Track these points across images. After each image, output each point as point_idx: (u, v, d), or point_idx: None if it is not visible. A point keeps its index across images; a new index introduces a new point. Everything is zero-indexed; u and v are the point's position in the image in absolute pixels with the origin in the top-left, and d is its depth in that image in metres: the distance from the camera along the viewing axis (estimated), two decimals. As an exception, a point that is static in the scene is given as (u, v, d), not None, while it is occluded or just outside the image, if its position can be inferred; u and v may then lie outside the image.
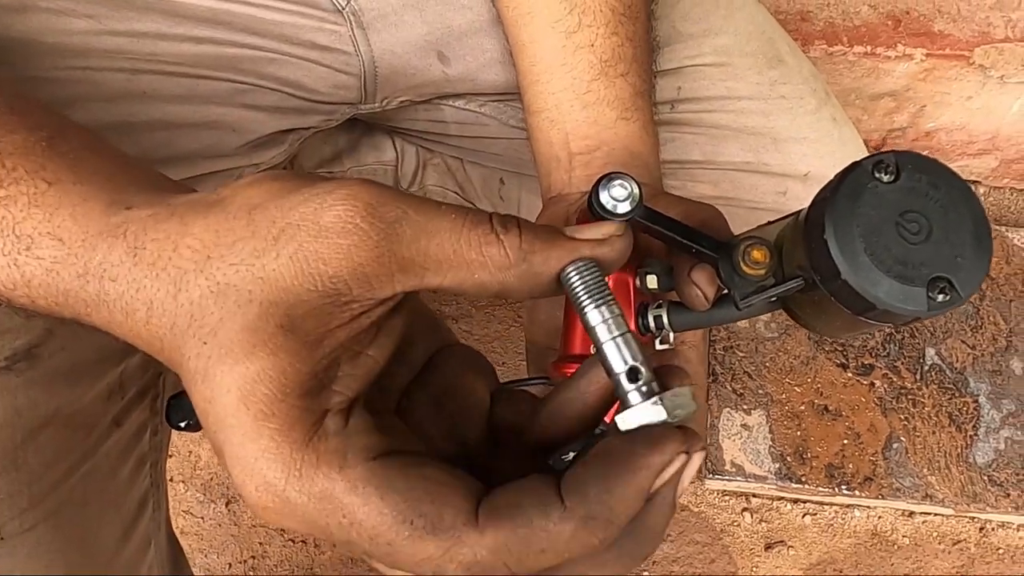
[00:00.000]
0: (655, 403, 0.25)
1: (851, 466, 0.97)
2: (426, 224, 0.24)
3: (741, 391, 1.00)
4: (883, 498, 0.97)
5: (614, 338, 0.26)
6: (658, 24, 0.58)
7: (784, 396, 1.00)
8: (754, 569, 0.99)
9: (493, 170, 0.77)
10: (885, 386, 1.01)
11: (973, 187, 0.78)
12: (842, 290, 0.30)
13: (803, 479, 0.97)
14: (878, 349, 1.02)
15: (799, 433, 0.98)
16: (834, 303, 0.31)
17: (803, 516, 1.01)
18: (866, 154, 0.46)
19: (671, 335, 0.41)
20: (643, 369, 0.26)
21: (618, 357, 0.26)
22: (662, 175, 0.54)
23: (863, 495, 0.97)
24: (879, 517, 1.01)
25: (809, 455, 0.98)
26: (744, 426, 0.99)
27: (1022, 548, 1.01)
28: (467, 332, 1.08)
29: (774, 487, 0.98)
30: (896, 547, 1.00)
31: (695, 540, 1.00)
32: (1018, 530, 1.01)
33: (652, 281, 0.41)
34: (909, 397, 1.00)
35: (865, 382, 1.01)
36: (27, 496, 0.40)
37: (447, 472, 0.24)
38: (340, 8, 0.56)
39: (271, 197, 0.24)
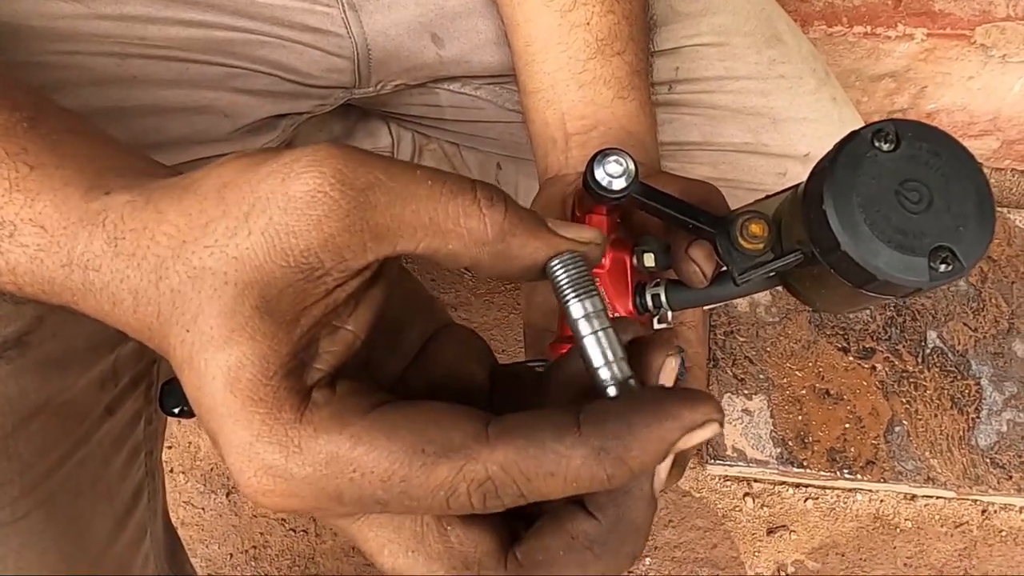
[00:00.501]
0: None
1: (853, 450, 0.97)
2: (400, 189, 0.23)
3: (742, 376, 1.00)
4: (885, 482, 0.97)
5: (595, 332, 0.26)
6: (655, 3, 0.58)
7: (785, 380, 0.99)
8: (756, 554, 0.99)
9: (490, 155, 0.77)
10: (887, 369, 1.00)
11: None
12: (842, 262, 0.29)
13: (805, 463, 0.96)
14: (879, 332, 1.02)
15: (800, 418, 0.98)
16: (834, 276, 0.31)
17: (805, 500, 1.01)
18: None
19: (669, 314, 0.41)
20: (623, 365, 0.25)
21: (598, 352, 0.25)
22: (661, 156, 0.53)
23: (865, 479, 0.96)
24: (881, 501, 1.01)
25: (811, 439, 0.97)
26: (745, 411, 0.98)
27: (1025, 530, 1.00)
28: (466, 319, 1.08)
29: (776, 472, 0.97)
30: (898, 530, 1.00)
31: (696, 526, 1.00)
32: (1020, 512, 1.01)
33: (649, 259, 0.40)
34: (911, 380, 1.00)
35: (866, 366, 1.00)
36: (19, 485, 0.39)
37: (447, 405, 0.24)
38: (331, -11, 0.55)
39: (240, 173, 0.24)
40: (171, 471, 1.00)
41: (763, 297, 1.03)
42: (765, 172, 0.64)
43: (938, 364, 1.01)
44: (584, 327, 0.26)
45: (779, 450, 0.97)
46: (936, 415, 0.99)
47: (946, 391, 1.00)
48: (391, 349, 0.28)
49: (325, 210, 0.22)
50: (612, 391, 0.25)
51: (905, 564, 0.99)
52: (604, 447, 0.22)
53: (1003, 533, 1.00)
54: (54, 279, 0.25)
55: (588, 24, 0.50)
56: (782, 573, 0.98)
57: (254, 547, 0.97)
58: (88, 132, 0.29)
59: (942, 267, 0.28)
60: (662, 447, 0.23)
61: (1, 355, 0.39)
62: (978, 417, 0.99)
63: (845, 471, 0.96)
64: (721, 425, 0.40)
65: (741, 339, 1.01)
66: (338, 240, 0.23)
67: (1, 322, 0.39)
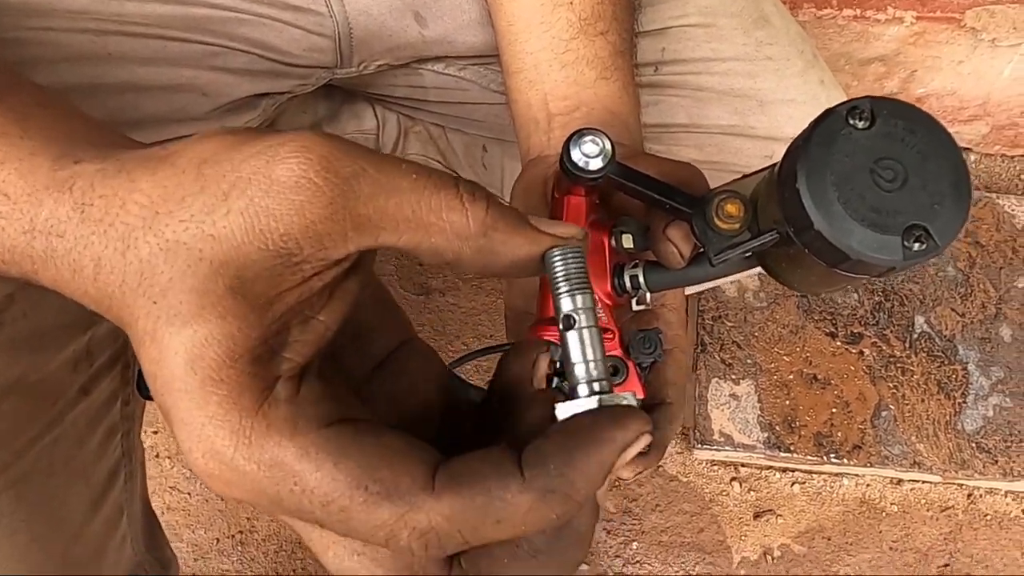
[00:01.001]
0: (596, 402, 0.25)
1: (840, 434, 0.97)
2: (385, 181, 0.23)
3: (730, 361, 1.00)
4: (871, 466, 0.97)
5: (580, 329, 0.26)
6: (640, -18, 0.57)
7: (773, 365, 0.99)
8: (743, 538, 0.99)
9: (475, 137, 0.76)
10: (874, 354, 1.00)
11: (964, 155, 0.77)
12: (815, 241, 0.29)
13: (792, 448, 0.96)
14: (867, 318, 1.02)
15: (788, 402, 0.98)
16: (808, 256, 0.31)
17: (792, 485, 1.01)
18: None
19: (647, 295, 0.40)
20: (599, 366, 0.26)
21: (578, 348, 0.26)
22: (645, 139, 0.53)
23: (852, 463, 0.97)
24: (867, 485, 1.01)
25: (798, 424, 0.97)
26: (733, 396, 0.98)
27: (1010, 514, 1.01)
28: (454, 305, 1.07)
29: (763, 456, 0.98)
30: (884, 514, 1.01)
31: (683, 510, 1.00)
32: (1005, 496, 1.01)
33: (628, 240, 0.40)
34: (898, 365, 1.00)
35: (854, 351, 1.00)
36: (-10, 464, 0.39)
37: (403, 439, 0.23)
38: (311, -33, 0.54)
39: (222, 150, 0.23)
40: (157, 456, 0.99)
41: (751, 282, 1.03)
42: (751, 155, 0.64)
43: (925, 349, 1.01)
44: (571, 321, 0.26)
45: (766, 435, 0.97)
46: (923, 400, 0.99)
47: (933, 376, 1.00)
48: (359, 352, 0.28)
49: (308, 196, 0.22)
50: (583, 390, 0.25)
51: (891, 548, 0.99)
52: (550, 487, 0.22)
53: (988, 517, 1.01)
54: (15, 247, 0.25)
55: (571, 3, 0.49)
56: (768, 557, 0.99)
57: (240, 532, 0.97)
58: (60, 106, 0.29)
59: (916, 246, 0.28)
60: (602, 472, 0.23)
61: (-29, 335, 0.38)
62: (965, 402, 0.99)
63: (832, 455, 0.96)
64: (661, 441, 0.40)
65: (729, 324, 1.01)
66: (319, 227, 0.22)
67: (-29, 302, 0.39)
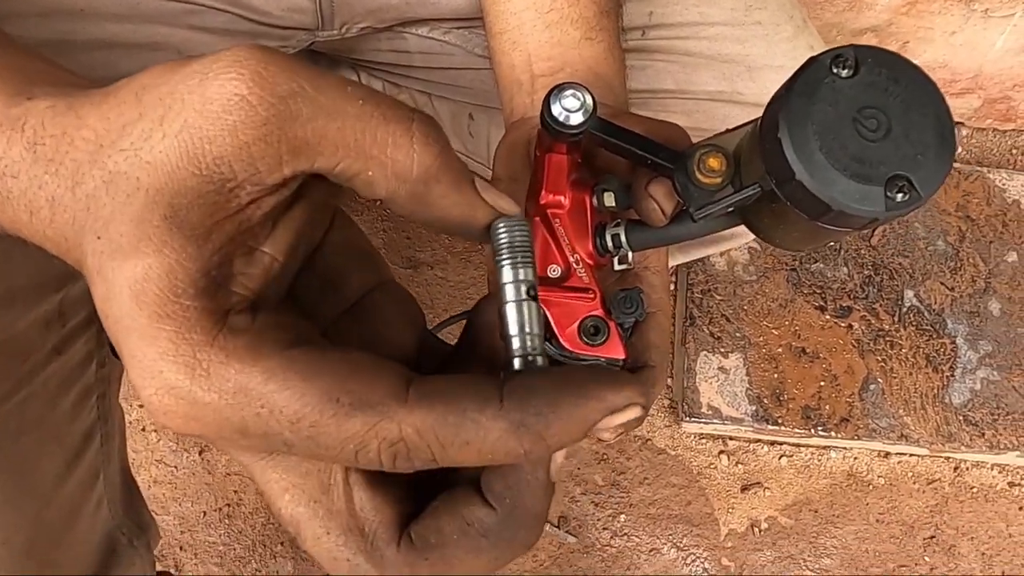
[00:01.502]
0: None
1: (827, 408, 0.97)
2: (326, 103, 0.22)
3: (719, 334, 0.99)
4: (859, 439, 0.97)
5: (518, 301, 0.25)
6: (627, -57, 0.56)
7: (762, 339, 0.99)
8: (730, 510, 0.99)
9: (461, 105, 0.75)
10: (863, 328, 1.00)
11: (956, 129, 0.76)
12: (797, 192, 0.28)
13: (779, 421, 0.96)
14: (857, 291, 1.02)
15: (776, 376, 0.98)
16: (791, 210, 0.30)
17: (779, 458, 1.02)
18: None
19: (629, 254, 0.40)
20: (535, 339, 0.25)
21: (515, 320, 0.25)
22: (633, 105, 0.52)
23: (839, 436, 0.97)
24: (855, 458, 1.02)
25: (786, 397, 0.97)
26: (721, 369, 0.98)
27: (996, 487, 1.01)
28: (442, 278, 1.07)
29: (751, 429, 0.98)
30: (871, 487, 1.01)
31: (671, 483, 1.00)
32: (992, 469, 1.02)
33: (609, 199, 0.39)
34: (887, 339, 1.00)
35: (843, 324, 1.00)
36: (-43, 423, 0.38)
37: (373, 356, 0.23)
38: (290, -77, 0.53)
39: (160, 75, 0.22)
40: (143, 430, 0.99)
41: (741, 255, 1.02)
42: (740, 121, 0.63)
43: (914, 323, 1.01)
44: (510, 293, 0.25)
45: (754, 408, 0.97)
46: (911, 373, 0.99)
47: (921, 349, 1.00)
48: (326, 293, 0.27)
49: (241, 116, 0.21)
50: (517, 363, 0.25)
51: (877, 520, 1.00)
52: (524, 422, 0.22)
53: (974, 490, 1.01)
54: None
55: (556, -38, 0.48)
56: (756, 529, 0.99)
57: (228, 505, 0.97)
58: (16, 47, 0.28)
59: (899, 196, 0.27)
60: (582, 427, 0.22)
61: (-62, 293, 0.38)
62: (952, 375, 0.99)
63: (819, 429, 0.96)
64: (644, 410, 0.40)
65: (718, 297, 1.01)
66: (252, 150, 0.21)
67: (-62, 260, 0.38)
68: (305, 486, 0.24)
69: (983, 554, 0.99)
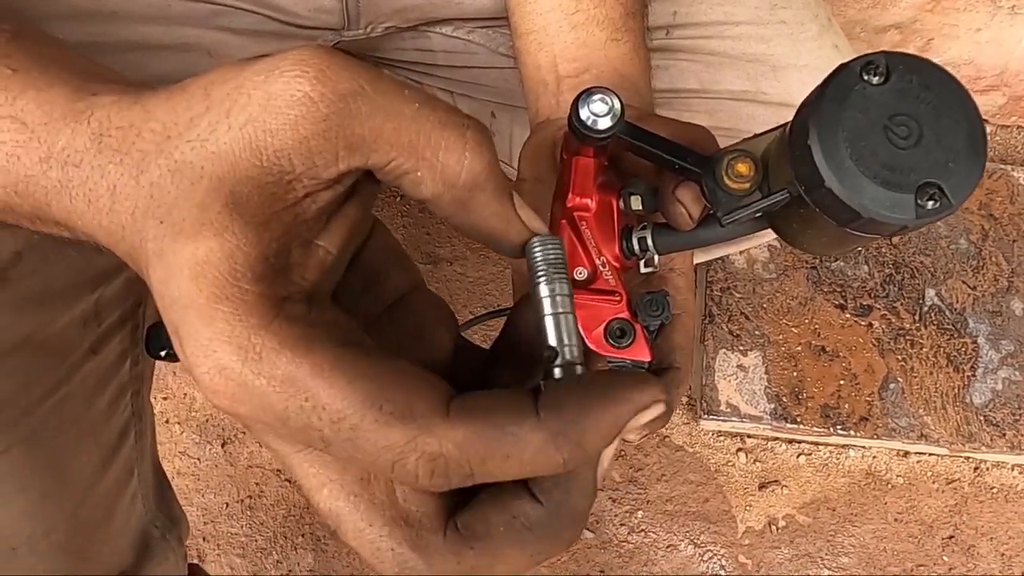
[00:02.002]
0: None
1: (847, 406, 0.97)
2: (384, 104, 0.23)
3: (738, 332, 0.99)
4: (878, 438, 0.97)
5: (556, 314, 0.26)
6: (652, -56, 0.56)
7: (781, 337, 0.99)
8: (747, 508, 1.00)
9: (484, 103, 0.75)
10: (883, 327, 1.00)
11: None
12: (826, 199, 0.28)
13: (798, 419, 0.96)
14: (877, 290, 1.01)
15: (795, 374, 0.98)
16: (820, 216, 0.30)
17: (798, 456, 1.01)
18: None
19: (656, 257, 0.40)
20: (574, 350, 0.26)
21: (554, 332, 0.26)
22: (656, 105, 0.52)
23: (858, 435, 0.97)
24: (874, 457, 1.01)
25: (805, 395, 0.97)
26: (740, 367, 0.98)
27: (1016, 488, 1.01)
28: (461, 274, 1.07)
29: (769, 427, 0.98)
30: (890, 486, 1.01)
31: (689, 480, 1.01)
32: (1012, 470, 1.01)
33: (636, 202, 0.39)
34: (907, 338, 1.00)
35: (863, 323, 1.00)
36: (-1, 420, 0.39)
37: (418, 367, 0.23)
38: (318, -75, 0.53)
39: (229, 72, 0.23)
40: (167, 422, 1.00)
41: (760, 253, 1.02)
42: (764, 121, 0.63)
43: (935, 322, 1.00)
44: (547, 307, 0.26)
45: (773, 406, 0.97)
46: (931, 372, 0.98)
47: (942, 349, 0.99)
48: (370, 293, 0.28)
49: (303, 111, 0.22)
50: (558, 372, 0.26)
51: (896, 519, 1.00)
52: (562, 431, 0.22)
53: (994, 490, 1.01)
54: (29, 177, 0.25)
55: (581, -37, 0.48)
56: (773, 527, 0.99)
57: (249, 497, 0.98)
58: (71, 49, 0.29)
59: (929, 204, 0.27)
60: (615, 429, 0.23)
61: (-21, 291, 0.39)
62: (974, 375, 0.99)
63: (838, 427, 0.96)
64: (669, 410, 0.41)
65: (738, 295, 1.01)
66: (312, 144, 0.22)
67: (-22, 258, 0.39)
68: (344, 480, 0.24)
69: (1002, 555, 0.99)
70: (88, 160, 0.24)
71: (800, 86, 0.62)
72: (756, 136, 0.35)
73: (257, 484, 0.99)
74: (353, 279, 0.27)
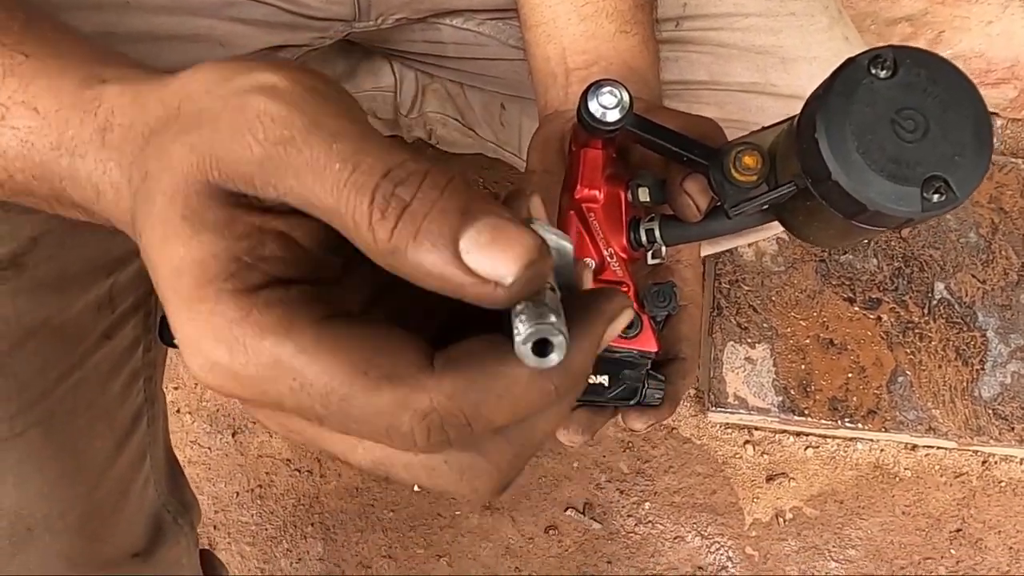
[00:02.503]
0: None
1: (855, 399, 0.97)
2: (311, 159, 0.22)
3: (746, 324, 0.99)
4: (886, 431, 0.97)
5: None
6: (662, -65, 0.56)
7: (789, 330, 0.99)
8: (755, 500, 1.00)
9: (493, 95, 0.76)
10: (892, 320, 1.00)
11: (990, 120, 0.75)
12: (833, 192, 0.29)
13: (806, 412, 0.96)
14: (886, 283, 1.01)
15: (803, 367, 0.98)
16: (826, 208, 0.30)
17: (805, 449, 1.02)
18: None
19: (663, 249, 0.40)
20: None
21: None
22: (665, 96, 0.52)
23: (866, 428, 0.97)
24: (881, 450, 1.01)
25: (813, 388, 0.97)
26: (748, 359, 0.98)
27: (1024, 482, 1.01)
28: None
29: (777, 420, 0.98)
30: (897, 479, 1.01)
31: (697, 472, 1.01)
32: (1021, 464, 1.01)
33: (644, 194, 0.40)
34: (916, 331, 1.00)
35: (872, 316, 1.00)
36: (16, 402, 0.40)
37: (397, 329, 0.23)
38: (329, -83, 0.54)
39: (206, 86, 0.24)
40: (178, 411, 1.01)
41: (769, 246, 1.02)
42: (773, 113, 0.63)
43: (944, 315, 1.00)
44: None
45: (781, 398, 0.97)
46: (940, 366, 0.98)
47: (951, 342, 0.99)
48: (355, 281, 0.27)
49: (243, 150, 0.22)
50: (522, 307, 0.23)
51: (903, 512, 1.00)
52: None
53: (1003, 484, 1.01)
54: (44, 162, 0.26)
55: (591, -44, 0.48)
56: (780, 519, 0.99)
57: (259, 486, 0.99)
58: (83, 36, 0.30)
59: (935, 197, 0.28)
60: (595, 344, 0.23)
61: (-3, 275, 0.39)
62: (982, 369, 0.98)
63: (846, 420, 0.96)
64: (673, 396, 0.40)
65: (746, 288, 1.01)
66: (253, 178, 0.22)
67: (-4, 243, 0.39)
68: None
69: (1010, 548, 0.99)
70: (92, 153, 0.25)
71: (810, 78, 0.62)
72: (763, 129, 0.35)
73: (267, 473, 1.00)
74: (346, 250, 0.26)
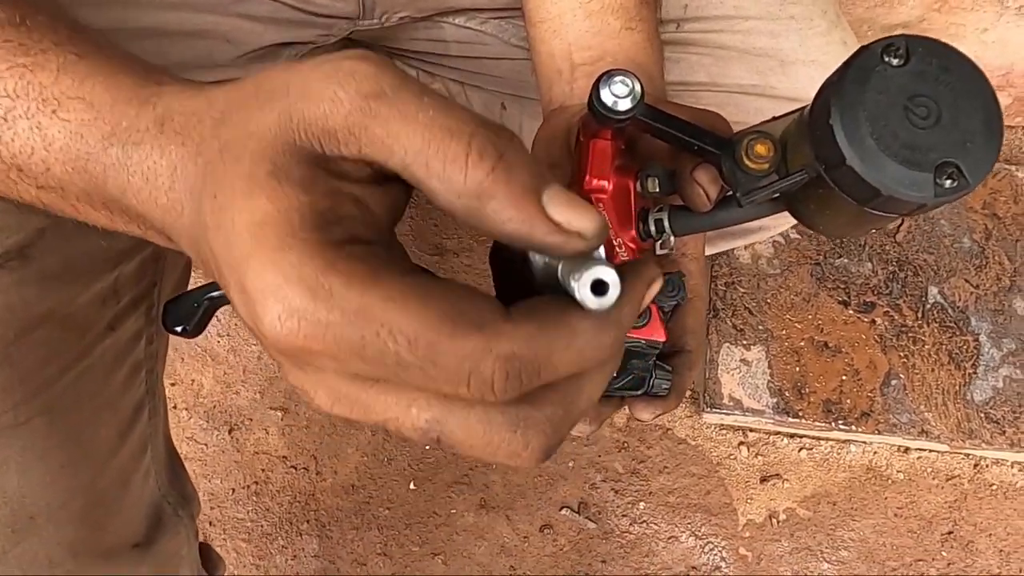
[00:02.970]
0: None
1: (848, 402, 0.98)
2: (402, 109, 0.24)
3: (741, 327, 1.00)
4: (879, 434, 0.97)
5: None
6: (665, -64, 0.57)
7: (784, 332, 1.00)
8: (748, 501, 1.00)
9: (495, 94, 0.76)
10: (886, 323, 1.01)
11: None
12: (847, 177, 0.29)
13: (800, 414, 0.97)
14: (880, 287, 1.02)
15: (798, 369, 0.99)
16: (838, 196, 0.31)
17: (799, 451, 1.02)
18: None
19: (672, 239, 0.41)
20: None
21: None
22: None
23: (859, 430, 0.97)
24: (874, 452, 1.02)
25: (807, 390, 0.98)
26: (743, 361, 0.99)
27: (1016, 485, 1.02)
28: (468, 266, 1.08)
29: (771, 422, 0.98)
30: (890, 482, 1.01)
31: (691, 472, 1.01)
32: (1012, 467, 1.02)
33: (653, 184, 0.40)
34: (910, 335, 1.00)
35: (866, 319, 1.00)
36: (20, 391, 0.40)
37: (473, 287, 0.25)
38: (336, -87, 0.54)
39: (281, 69, 0.25)
40: (174, 407, 1.01)
41: (765, 249, 1.03)
42: (771, 115, 0.64)
43: (938, 319, 1.01)
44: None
45: (775, 400, 0.97)
46: (933, 369, 0.99)
47: (944, 346, 1.00)
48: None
49: (330, 107, 0.24)
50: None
51: (895, 514, 1.00)
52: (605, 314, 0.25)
53: (994, 487, 1.02)
54: (89, 154, 0.27)
55: (597, -48, 0.49)
56: (774, 520, 1.00)
57: (256, 483, 0.99)
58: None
59: (947, 183, 0.28)
60: (639, 301, 0.27)
61: (3, 265, 0.39)
62: (975, 372, 0.99)
63: (840, 422, 0.97)
64: (678, 388, 0.43)
65: (742, 290, 1.01)
66: (338, 135, 0.24)
67: (3, 233, 0.40)
68: (427, 392, 0.24)
69: (1001, 551, 1.00)
70: (149, 140, 0.26)
71: (808, 81, 0.63)
72: (773, 119, 0.36)
73: (263, 470, 0.99)
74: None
